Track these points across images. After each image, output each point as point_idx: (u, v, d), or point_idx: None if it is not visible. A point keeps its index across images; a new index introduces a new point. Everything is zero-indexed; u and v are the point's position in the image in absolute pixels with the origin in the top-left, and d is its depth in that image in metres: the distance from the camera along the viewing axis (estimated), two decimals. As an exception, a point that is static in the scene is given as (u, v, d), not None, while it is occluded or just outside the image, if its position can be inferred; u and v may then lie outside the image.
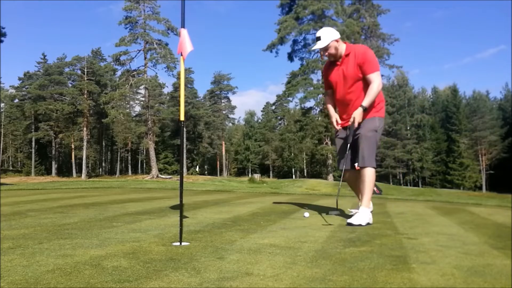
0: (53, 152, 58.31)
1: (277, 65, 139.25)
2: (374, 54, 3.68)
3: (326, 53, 3.67)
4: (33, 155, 58.51)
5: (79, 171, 55.22)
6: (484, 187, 54.86)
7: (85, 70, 54.94)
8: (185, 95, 2.96)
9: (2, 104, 65.73)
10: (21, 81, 63.53)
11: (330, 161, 37.18)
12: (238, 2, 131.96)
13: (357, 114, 3.56)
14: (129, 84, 40.39)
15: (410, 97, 59.49)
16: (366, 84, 3.59)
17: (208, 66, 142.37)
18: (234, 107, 74.14)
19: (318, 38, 3.65)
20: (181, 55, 2.82)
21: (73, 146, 57.95)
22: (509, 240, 2.74)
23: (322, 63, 35.37)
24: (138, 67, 42.11)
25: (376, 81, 3.55)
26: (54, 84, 55.21)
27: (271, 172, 72.64)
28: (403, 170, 57.41)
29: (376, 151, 3.79)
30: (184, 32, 2.80)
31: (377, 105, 3.68)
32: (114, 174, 61.80)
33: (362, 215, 3.45)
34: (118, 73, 45.70)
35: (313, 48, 3.98)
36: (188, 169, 62.35)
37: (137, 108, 65.57)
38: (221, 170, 71.91)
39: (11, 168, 69.36)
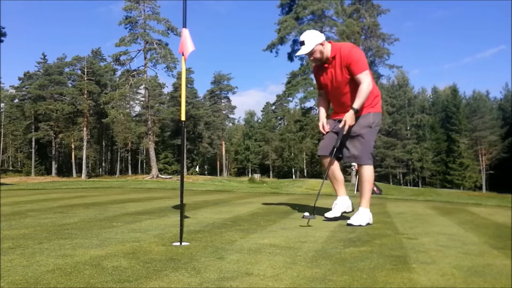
0: (53, 152, 58.32)
1: (277, 65, 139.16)
2: (360, 52, 3.53)
3: (312, 58, 3.55)
4: (33, 155, 58.51)
5: (79, 171, 55.22)
6: (484, 187, 54.87)
7: (85, 70, 54.96)
8: (185, 95, 2.96)
9: (2, 104, 65.83)
10: (21, 81, 63.58)
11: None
12: (238, 2, 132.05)
13: (349, 118, 3.42)
14: (129, 84, 40.39)
15: (410, 97, 59.52)
16: (357, 83, 3.47)
17: (208, 66, 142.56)
18: (234, 107, 74.24)
19: (302, 43, 3.51)
20: (183, 55, 2.81)
21: (73, 146, 57.97)
22: (509, 240, 2.74)
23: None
24: (138, 67, 42.14)
25: (365, 81, 3.40)
26: (54, 84, 55.23)
27: (271, 172, 72.65)
28: (403, 170, 57.43)
29: (374, 149, 3.75)
30: (185, 32, 2.80)
31: (372, 101, 3.55)
32: (114, 174, 61.81)
33: (362, 215, 3.44)
34: (118, 73, 45.75)
35: (297, 54, 3.81)
36: (188, 169, 62.36)
37: (137, 108, 65.68)
38: (221, 170, 71.92)
39: (11, 168, 69.37)
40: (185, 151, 59.19)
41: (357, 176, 3.74)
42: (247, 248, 2.38)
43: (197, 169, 65.63)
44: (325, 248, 2.41)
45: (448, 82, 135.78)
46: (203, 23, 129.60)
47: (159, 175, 40.32)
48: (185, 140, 58.49)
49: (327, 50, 3.52)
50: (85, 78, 54.71)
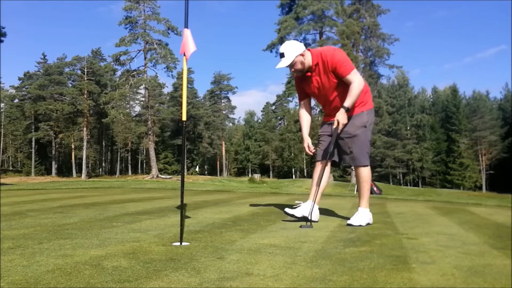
0: (53, 152, 58.32)
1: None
2: (343, 53, 3.45)
3: (293, 70, 3.44)
4: (33, 155, 58.52)
5: (79, 171, 55.24)
6: (484, 187, 54.88)
7: (85, 70, 54.97)
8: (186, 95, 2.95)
9: (2, 104, 65.83)
10: (21, 81, 63.62)
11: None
12: (238, 2, 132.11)
13: (341, 116, 3.34)
14: (129, 84, 40.44)
15: (410, 97, 59.52)
16: (346, 84, 3.39)
17: (208, 66, 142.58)
18: (234, 107, 74.28)
19: (282, 55, 3.41)
20: (184, 55, 2.81)
21: (73, 146, 57.98)
22: (509, 240, 2.74)
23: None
24: (138, 67, 42.25)
25: (356, 80, 3.32)
26: (54, 84, 55.24)
27: (271, 172, 72.65)
28: (403, 170, 57.43)
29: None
30: (187, 32, 2.80)
31: (363, 98, 3.47)
32: (114, 174, 61.82)
33: (362, 215, 3.44)
34: (118, 73, 45.82)
35: (277, 67, 3.50)
36: (188, 169, 62.39)
37: (137, 108, 65.74)
38: (221, 170, 71.94)
39: (11, 168, 69.40)
40: (185, 151, 59.11)
41: (355, 177, 3.63)
42: (247, 248, 2.38)
43: (197, 169, 65.64)
44: (325, 248, 2.41)
45: (448, 82, 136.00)
46: (203, 23, 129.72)
47: (159, 175, 40.37)
48: (185, 140, 58.15)
49: (308, 59, 3.42)
50: (85, 78, 54.72)
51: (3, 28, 21.44)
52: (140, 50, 41.06)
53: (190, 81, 66.60)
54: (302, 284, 1.69)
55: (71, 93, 54.39)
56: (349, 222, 3.38)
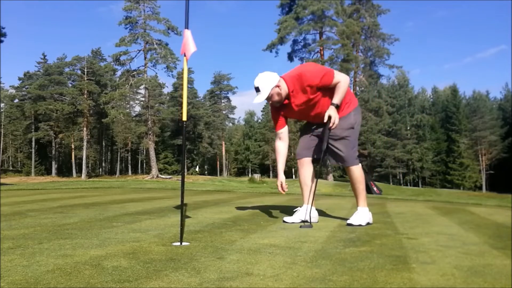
0: (53, 152, 58.31)
1: (277, 65, 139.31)
2: (314, 65, 3.44)
3: (270, 102, 3.38)
4: (33, 155, 58.51)
5: (79, 171, 55.23)
6: (484, 187, 54.89)
7: (85, 70, 54.96)
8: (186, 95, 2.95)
9: (2, 104, 65.84)
10: (21, 81, 63.59)
11: (329, 161, 37.20)
12: (238, 2, 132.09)
13: (333, 113, 3.27)
14: (129, 84, 40.44)
15: (410, 97, 59.51)
16: (327, 95, 3.34)
17: (208, 66, 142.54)
18: (234, 107, 74.20)
19: (257, 89, 3.29)
20: (185, 55, 2.82)
21: (73, 146, 57.97)
22: (509, 240, 2.74)
23: (322, 63, 35.38)
24: (138, 67, 42.24)
25: (341, 79, 3.28)
26: (54, 84, 55.22)
27: (271, 172, 72.62)
28: (403, 170, 57.40)
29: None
30: (187, 33, 2.81)
31: (346, 97, 3.40)
32: (114, 174, 61.80)
33: (361, 214, 3.44)
34: (118, 73, 45.81)
35: (254, 102, 3.36)
36: (188, 169, 62.37)
37: (137, 108, 65.64)
38: (221, 170, 71.92)
39: (11, 168, 69.38)
40: (185, 151, 59.17)
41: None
42: (247, 248, 2.38)
43: (197, 169, 65.64)
44: (325, 248, 2.41)
45: (448, 82, 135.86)
46: (203, 23, 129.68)
47: (159, 175, 40.37)
48: (185, 140, 58.16)
49: (284, 88, 3.33)
50: (85, 78, 54.71)
51: (3, 28, 21.49)
52: (140, 50, 41.07)
53: (190, 81, 66.58)
54: (302, 284, 1.69)
55: (71, 93, 54.38)
56: (349, 221, 3.38)
